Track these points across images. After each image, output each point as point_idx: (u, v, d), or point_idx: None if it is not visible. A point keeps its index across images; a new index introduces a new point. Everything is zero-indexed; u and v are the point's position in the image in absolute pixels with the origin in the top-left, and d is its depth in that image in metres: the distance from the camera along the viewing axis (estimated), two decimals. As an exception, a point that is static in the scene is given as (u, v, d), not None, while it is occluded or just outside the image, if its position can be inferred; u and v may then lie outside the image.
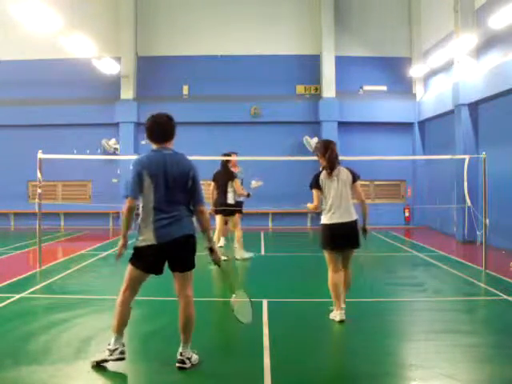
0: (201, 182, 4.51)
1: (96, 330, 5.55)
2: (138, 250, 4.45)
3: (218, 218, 10.23)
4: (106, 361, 4.44)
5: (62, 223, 17.27)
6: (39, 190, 9.26)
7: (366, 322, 5.91)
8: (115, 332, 4.49)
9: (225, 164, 10.28)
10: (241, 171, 10.76)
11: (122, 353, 4.44)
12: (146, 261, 4.43)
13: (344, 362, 4.73)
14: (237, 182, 10.14)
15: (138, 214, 4.49)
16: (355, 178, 5.85)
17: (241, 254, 10.17)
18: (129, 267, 4.49)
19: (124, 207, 4.40)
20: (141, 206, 4.43)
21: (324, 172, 5.82)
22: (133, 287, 4.53)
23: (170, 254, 4.41)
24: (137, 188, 4.35)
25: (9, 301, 6.72)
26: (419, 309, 6.68)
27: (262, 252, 11.48)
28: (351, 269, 5.99)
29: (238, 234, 10.13)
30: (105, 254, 11.17)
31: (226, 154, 10.46)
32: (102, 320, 5.99)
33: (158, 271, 4.49)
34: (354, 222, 5.76)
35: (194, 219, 4.50)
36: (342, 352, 5.03)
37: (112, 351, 4.43)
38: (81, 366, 4.48)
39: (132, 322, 6.02)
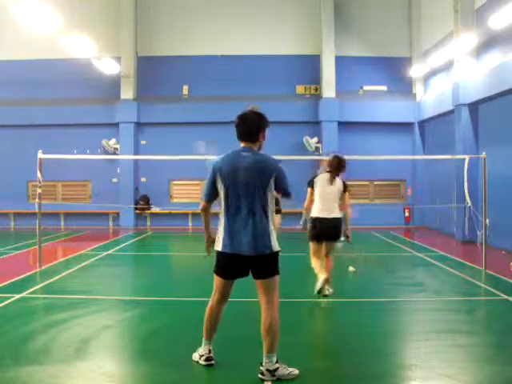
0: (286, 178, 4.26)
1: (96, 330, 5.54)
2: (216, 254, 4.27)
3: None
4: (197, 363, 4.48)
5: (62, 223, 17.27)
6: (39, 190, 9.25)
7: (366, 322, 5.91)
8: (203, 337, 4.47)
9: None
10: None
11: (208, 359, 4.41)
12: (220, 266, 4.26)
13: (344, 362, 4.72)
14: None
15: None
16: (346, 188, 6.94)
17: None
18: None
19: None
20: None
21: (321, 176, 6.96)
22: (220, 292, 4.32)
23: (242, 263, 4.18)
24: (208, 190, 4.24)
25: (9, 301, 6.71)
26: (419, 309, 6.68)
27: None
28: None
29: None
30: (105, 253, 11.17)
31: None
32: (102, 320, 6.00)
33: (232, 277, 4.29)
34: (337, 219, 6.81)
35: (273, 228, 4.20)
36: (342, 352, 5.03)
37: (200, 356, 4.47)
38: (81, 366, 4.47)
39: (132, 322, 6.05)
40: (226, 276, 4.28)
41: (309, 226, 7.01)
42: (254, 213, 4.10)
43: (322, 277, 6.74)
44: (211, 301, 4.39)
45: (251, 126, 4.21)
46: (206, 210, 4.33)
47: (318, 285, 6.70)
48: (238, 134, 4.26)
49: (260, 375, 4.18)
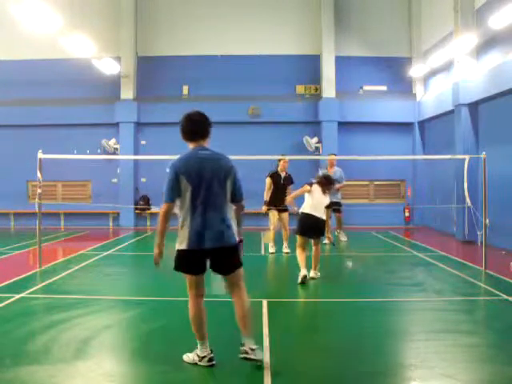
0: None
1: (96, 330, 5.55)
2: (177, 252, 4.38)
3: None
4: (195, 364, 4.49)
5: (62, 223, 17.26)
6: (39, 190, 9.25)
7: (366, 322, 5.92)
8: (197, 339, 4.48)
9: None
10: None
11: (211, 359, 4.44)
12: (185, 263, 4.35)
13: (344, 362, 4.72)
14: None
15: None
16: (329, 205, 8.54)
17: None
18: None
19: (160, 211, 4.33)
20: (179, 208, 4.33)
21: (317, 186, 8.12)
22: (195, 287, 4.40)
23: (206, 258, 4.33)
24: (173, 191, 4.27)
25: (9, 301, 6.71)
26: (419, 309, 6.68)
27: (262, 252, 11.48)
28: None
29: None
30: (105, 253, 11.17)
31: None
32: (102, 320, 6.00)
33: (201, 271, 4.38)
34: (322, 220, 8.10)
35: (234, 222, 4.40)
36: (342, 352, 5.02)
37: (201, 358, 4.46)
38: (81, 366, 4.47)
39: (132, 322, 6.05)
40: (194, 271, 4.36)
41: (299, 221, 8.13)
42: (219, 208, 4.30)
43: (302, 271, 7.83)
44: (190, 300, 4.44)
45: (203, 125, 4.43)
46: (168, 212, 4.28)
47: (300, 279, 7.77)
48: (189, 133, 4.42)
49: (244, 354, 4.31)
